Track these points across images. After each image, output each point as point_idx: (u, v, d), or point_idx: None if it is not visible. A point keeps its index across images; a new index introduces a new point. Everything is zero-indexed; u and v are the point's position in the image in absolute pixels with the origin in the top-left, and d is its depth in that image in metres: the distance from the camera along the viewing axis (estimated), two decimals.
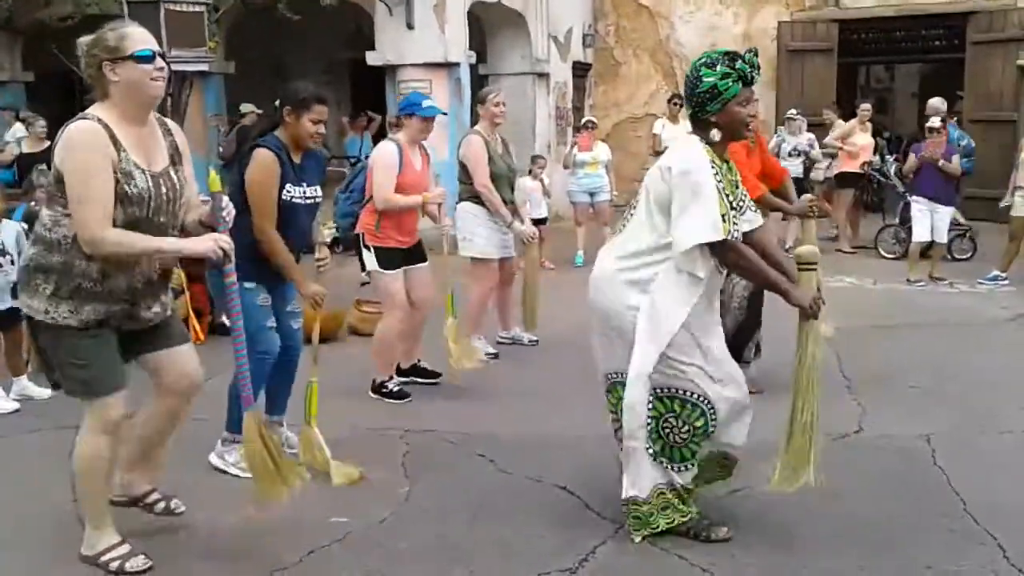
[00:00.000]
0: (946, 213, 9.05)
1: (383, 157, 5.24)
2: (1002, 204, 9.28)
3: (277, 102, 4.18)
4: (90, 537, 3.31)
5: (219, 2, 10.52)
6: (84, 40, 3.14)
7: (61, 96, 13.89)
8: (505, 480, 4.16)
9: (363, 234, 5.28)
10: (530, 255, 6.36)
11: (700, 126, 3.41)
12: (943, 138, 9.18)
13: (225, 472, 4.16)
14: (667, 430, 3.43)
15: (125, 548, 3.29)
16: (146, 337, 3.32)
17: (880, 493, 3.95)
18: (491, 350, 6.31)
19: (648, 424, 3.41)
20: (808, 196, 5.51)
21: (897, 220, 10.70)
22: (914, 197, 9.25)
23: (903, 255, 9.86)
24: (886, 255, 10.51)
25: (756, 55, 3.39)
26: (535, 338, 6.62)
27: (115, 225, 3.04)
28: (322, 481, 4.08)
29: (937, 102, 10.63)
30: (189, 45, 9.62)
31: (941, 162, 8.94)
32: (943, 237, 9.14)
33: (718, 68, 3.31)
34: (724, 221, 3.23)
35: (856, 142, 11.10)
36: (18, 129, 10.40)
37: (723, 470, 3.63)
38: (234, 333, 3.34)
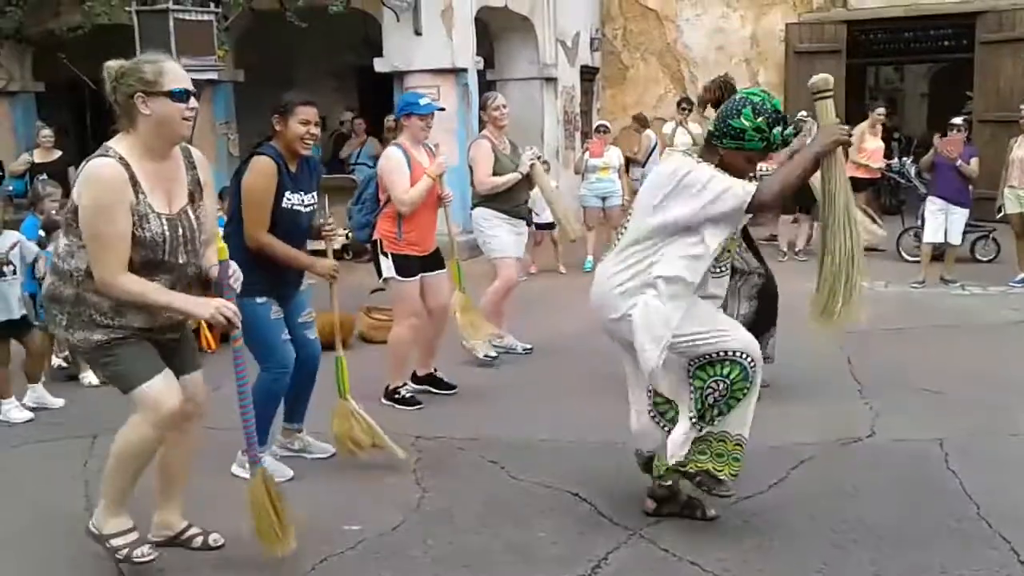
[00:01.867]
0: (961, 215, 9.00)
1: (390, 162, 5.21)
2: (997, 204, 9.27)
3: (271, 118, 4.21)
4: (102, 513, 3.29)
5: (228, 10, 10.57)
6: (115, 66, 3.11)
7: (71, 106, 13.98)
8: (517, 486, 4.17)
9: (381, 241, 5.28)
10: (538, 172, 6.45)
11: (708, 148, 3.48)
12: (961, 138, 9.13)
13: (248, 480, 4.16)
14: (709, 394, 3.47)
15: (134, 536, 3.28)
16: (166, 360, 3.29)
17: (893, 497, 3.93)
18: (491, 353, 6.31)
19: (693, 398, 3.49)
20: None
21: (919, 222, 10.37)
22: (930, 197, 9.20)
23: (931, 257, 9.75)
24: (908, 258, 10.27)
25: (796, 134, 3.44)
26: (529, 346, 6.63)
27: (131, 265, 3.05)
28: (337, 482, 4.09)
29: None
30: (198, 53, 9.65)
31: (959, 163, 8.89)
32: (957, 239, 9.08)
33: (758, 120, 3.35)
34: (739, 185, 3.31)
35: (866, 147, 11.05)
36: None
37: (733, 453, 3.63)
38: (240, 394, 3.32)
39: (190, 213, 3.23)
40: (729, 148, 3.40)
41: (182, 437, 3.42)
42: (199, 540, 3.53)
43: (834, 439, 4.63)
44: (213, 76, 10.55)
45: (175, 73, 3.11)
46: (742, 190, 3.31)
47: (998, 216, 9.50)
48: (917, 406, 5.19)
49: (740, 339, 3.47)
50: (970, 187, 9.31)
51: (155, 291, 3.10)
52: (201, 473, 3.89)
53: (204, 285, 3.36)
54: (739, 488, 3.87)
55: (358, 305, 7.05)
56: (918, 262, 9.84)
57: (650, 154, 11.97)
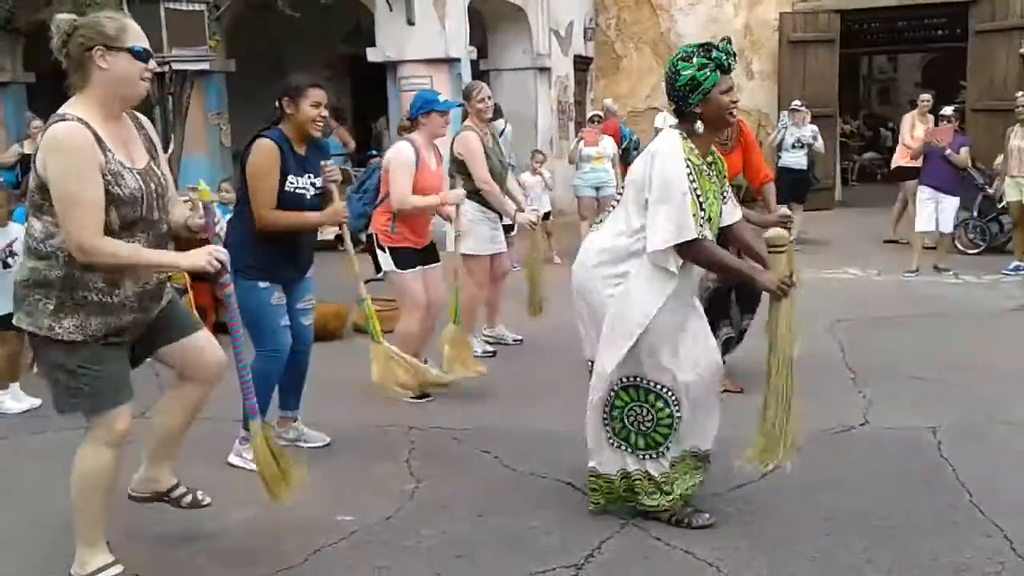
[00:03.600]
0: (951, 203, 9.01)
1: (399, 157, 5.17)
2: (997, 194, 9.28)
3: (277, 102, 4.18)
4: (82, 555, 3.18)
5: (219, 0, 10.52)
6: (67, 19, 2.99)
7: (62, 97, 13.86)
8: (510, 476, 4.17)
9: (377, 235, 5.26)
10: (533, 241, 6.28)
11: (684, 119, 3.47)
12: (951, 127, 9.15)
13: (243, 469, 4.14)
14: (632, 418, 3.53)
15: (117, 569, 3.18)
16: (158, 332, 3.23)
17: (886, 485, 3.94)
18: (489, 348, 6.31)
19: (614, 415, 3.55)
20: (784, 211, 5.26)
21: (975, 212, 10.17)
22: (920, 187, 9.21)
23: (985, 249, 9.62)
24: (965, 250, 10.02)
25: (730, 43, 3.43)
26: (519, 337, 6.61)
27: (112, 228, 2.93)
28: (328, 476, 4.10)
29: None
30: (190, 44, 9.62)
31: (948, 151, 8.91)
32: (948, 227, 9.09)
33: (694, 60, 3.36)
34: (694, 222, 3.28)
35: (917, 135, 10.71)
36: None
37: (697, 470, 3.65)
38: (234, 343, 3.31)
39: (155, 169, 3.15)
40: (699, 101, 3.38)
41: (200, 397, 3.34)
42: (188, 499, 3.48)
43: (827, 428, 4.64)
44: (204, 66, 10.52)
45: (136, 31, 3.03)
46: (687, 229, 3.26)
47: (999, 206, 9.49)
48: (910, 394, 5.20)
49: (680, 379, 3.46)
50: (961, 177, 9.31)
51: (137, 249, 2.99)
52: (197, 462, 3.89)
53: (176, 243, 3.32)
54: (732, 477, 3.89)
55: (353, 295, 7.03)
56: (979, 254, 9.63)
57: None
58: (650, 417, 3.50)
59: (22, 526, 3.80)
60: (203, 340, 3.32)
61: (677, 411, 3.49)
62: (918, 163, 10.38)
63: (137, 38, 3.02)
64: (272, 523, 3.64)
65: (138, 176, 3.03)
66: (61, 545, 3.41)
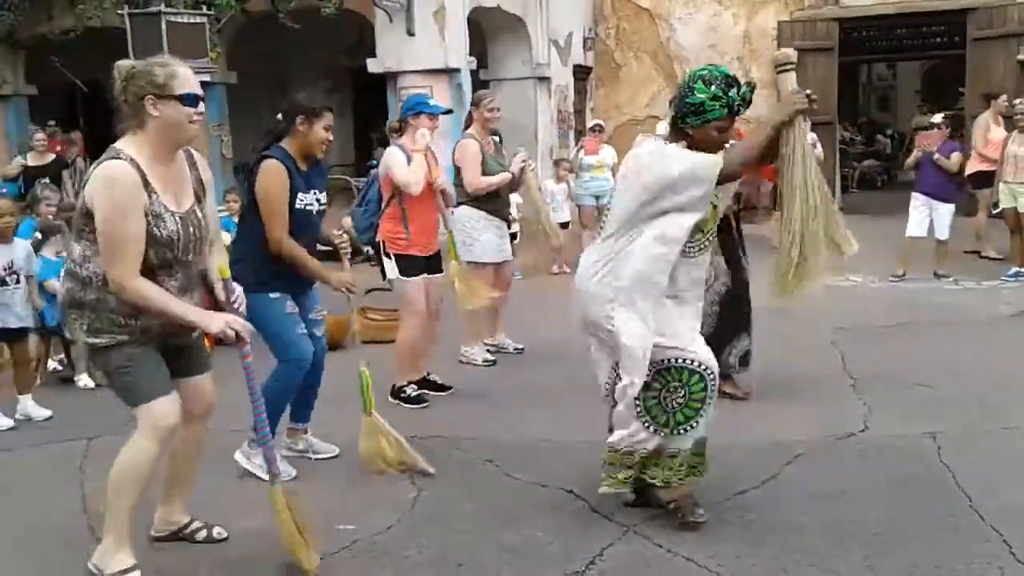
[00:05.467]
0: (946, 210, 9.01)
1: (391, 158, 5.23)
2: (992, 200, 9.27)
3: (280, 114, 4.20)
4: (106, 552, 3.25)
5: (220, 13, 10.56)
6: (126, 66, 3.17)
7: (63, 109, 13.93)
8: (511, 485, 4.18)
9: (384, 242, 5.29)
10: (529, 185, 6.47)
11: (675, 132, 3.53)
12: (941, 134, 9.18)
13: (249, 475, 4.20)
14: (667, 399, 3.54)
15: (137, 573, 3.25)
16: (177, 362, 3.36)
17: (886, 492, 3.95)
18: (489, 357, 6.33)
19: (648, 401, 3.55)
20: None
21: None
22: (913, 193, 9.23)
23: None
24: None
25: (753, 91, 3.47)
26: (520, 346, 6.64)
27: (149, 265, 3.10)
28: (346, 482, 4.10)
29: None
30: (191, 56, 9.62)
31: (936, 156, 8.93)
32: (944, 234, 9.09)
33: (712, 88, 3.39)
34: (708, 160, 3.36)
35: (992, 137, 10.26)
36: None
37: (696, 469, 3.68)
38: (254, 409, 3.36)
39: (198, 212, 3.30)
40: (695, 125, 3.44)
41: (189, 437, 3.45)
42: (203, 533, 3.59)
43: (827, 435, 4.65)
44: (206, 78, 10.51)
45: (186, 77, 3.16)
46: (712, 162, 3.34)
47: (994, 212, 9.49)
48: (910, 401, 5.21)
49: (700, 350, 3.53)
50: (957, 183, 9.29)
51: (167, 299, 3.14)
52: (201, 473, 3.90)
53: (208, 286, 3.43)
54: (733, 484, 3.91)
55: (353, 306, 7.05)
56: None
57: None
58: (682, 394, 3.52)
59: (22, 527, 3.83)
60: (208, 381, 3.49)
61: (712, 384, 3.52)
62: (993, 167, 9.82)
63: (185, 84, 3.15)
64: (274, 532, 3.64)
65: (178, 220, 3.18)
66: (60, 547, 3.43)
